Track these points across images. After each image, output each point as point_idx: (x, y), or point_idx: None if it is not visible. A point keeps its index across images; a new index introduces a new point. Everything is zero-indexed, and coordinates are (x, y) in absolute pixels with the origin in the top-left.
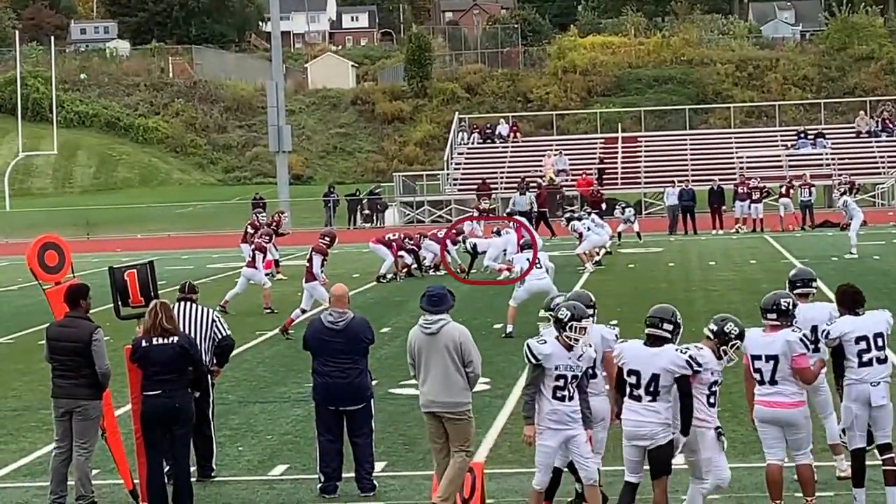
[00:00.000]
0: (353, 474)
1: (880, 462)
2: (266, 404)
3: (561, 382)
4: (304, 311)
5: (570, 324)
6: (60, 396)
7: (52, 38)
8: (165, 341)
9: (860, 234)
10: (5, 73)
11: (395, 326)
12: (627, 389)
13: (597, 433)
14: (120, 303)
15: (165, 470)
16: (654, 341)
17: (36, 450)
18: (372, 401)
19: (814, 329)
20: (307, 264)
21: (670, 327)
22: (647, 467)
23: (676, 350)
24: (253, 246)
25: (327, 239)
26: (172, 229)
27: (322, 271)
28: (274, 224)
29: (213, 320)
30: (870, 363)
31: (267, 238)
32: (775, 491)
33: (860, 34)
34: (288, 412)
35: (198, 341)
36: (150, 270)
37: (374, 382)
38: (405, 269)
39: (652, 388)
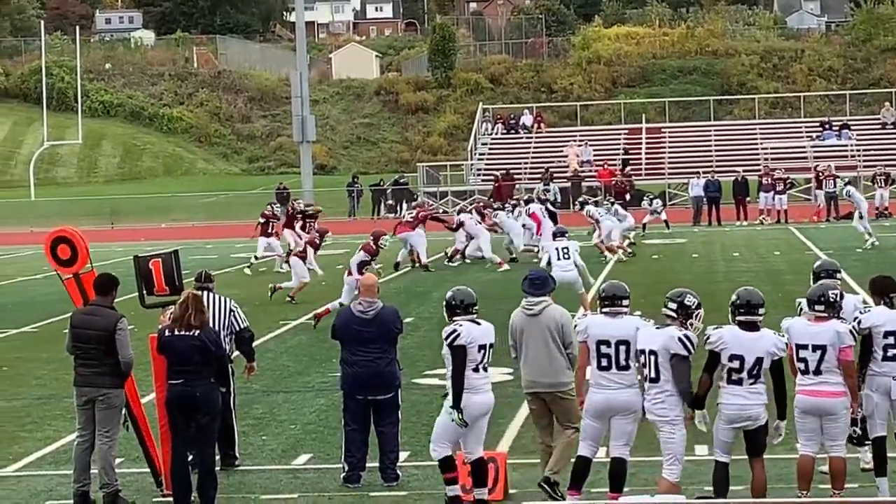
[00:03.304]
0: (376, 464)
1: None
2: (289, 394)
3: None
4: (342, 305)
5: (697, 312)
6: (83, 385)
7: (77, 27)
8: (188, 333)
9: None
10: (31, 62)
11: (418, 316)
12: (726, 374)
13: (626, 425)
14: (145, 291)
15: (189, 459)
16: (750, 327)
17: (60, 438)
18: (399, 390)
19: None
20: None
21: (763, 311)
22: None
23: (774, 333)
24: (306, 239)
25: (375, 239)
26: (196, 219)
27: (363, 270)
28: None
29: (231, 310)
30: (893, 359)
31: (318, 238)
32: (804, 482)
33: (886, 25)
34: (311, 402)
35: (216, 330)
36: (175, 260)
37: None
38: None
39: (755, 372)
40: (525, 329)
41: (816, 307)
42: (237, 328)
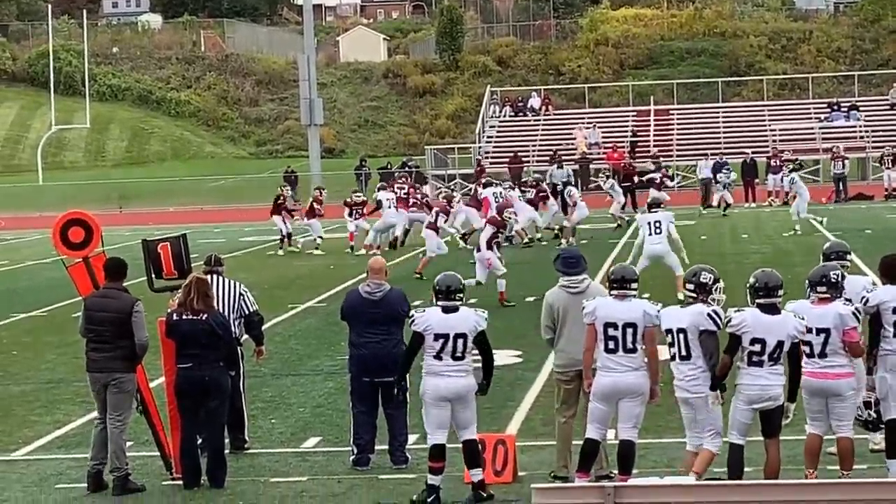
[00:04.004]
0: (385, 447)
1: None
2: (298, 377)
3: None
4: (479, 283)
5: (716, 286)
6: (95, 370)
7: (84, 11)
8: (195, 317)
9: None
10: (38, 46)
11: (427, 300)
12: (746, 357)
13: (634, 407)
14: (153, 275)
15: (199, 442)
16: (770, 310)
17: (70, 422)
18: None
19: (847, 301)
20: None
21: (782, 293)
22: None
23: (795, 316)
24: (438, 208)
25: (500, 211)
26: (205, 202)
27: (492, 244)
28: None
29: (241, 293)
30: None
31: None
32: (811, 460)
33: (894, 6)
34: (320, 385)
35: (225, 314)
36: (183, 243)
37: None
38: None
39: (776, 354)
40: (570, 307)
41: (819, 288)
42: (246, 312)
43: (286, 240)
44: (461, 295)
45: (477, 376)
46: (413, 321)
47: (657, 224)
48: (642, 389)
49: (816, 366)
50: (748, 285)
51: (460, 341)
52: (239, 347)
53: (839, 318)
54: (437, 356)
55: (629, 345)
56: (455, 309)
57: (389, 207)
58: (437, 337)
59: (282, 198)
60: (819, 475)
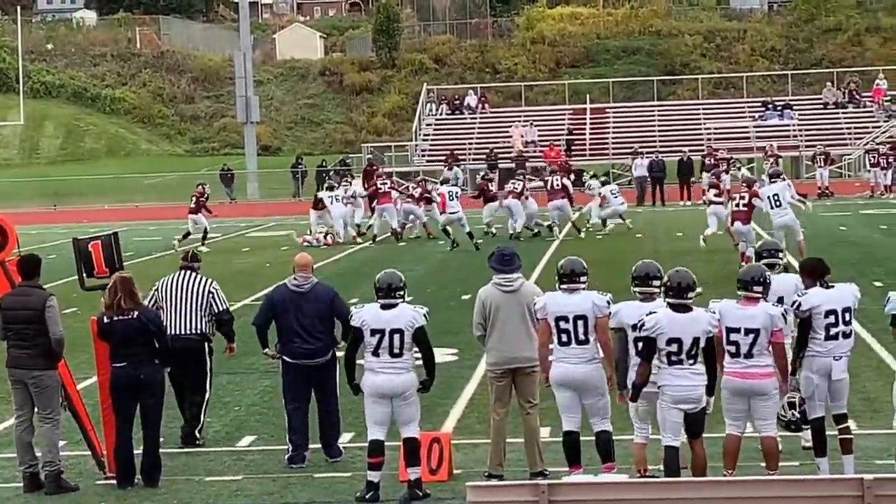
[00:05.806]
0: (319, 445)
1: (836, 432)
2: (234, 375)
3: None
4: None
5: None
6: (14, 366)
7: (18, 7)
8: (126, 317)
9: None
10: None
11: (363, 297)
12: (665, 358)
13: (595, 402)
14: (84, 274)
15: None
16: (682, 309)
17: (2, 421)
18: (336, 365)
19: (780, 300)
20: (745, 209)
21: (693, 294)
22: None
23: (706, 311)
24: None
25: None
26: (140, 200)
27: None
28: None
29: (210, 292)
30: (836, 337)
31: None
32: (730, 460)
33: (828, 5)
34: (256, 383)
35: (194, 310)
36: (115, 241)
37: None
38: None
39: (693, 353)
40: (502, 306)
41: (754, 288)
42: (216, 310)
43: (184, 237)
44: (402, 293)
45: (420, 373)
46: (351, 316)
47: (776, 197)
48: (596, 383)
49: (741, 365)
50: (661, 283)
51: (396, 337)
52: (209, 344)
53: (769, 320)
54: (375, 352)
55: (581, 336)
56: (393, 306)
57: (332, 203)
58: (373, 332)
59: (204, 196)
60: (749, 472)
